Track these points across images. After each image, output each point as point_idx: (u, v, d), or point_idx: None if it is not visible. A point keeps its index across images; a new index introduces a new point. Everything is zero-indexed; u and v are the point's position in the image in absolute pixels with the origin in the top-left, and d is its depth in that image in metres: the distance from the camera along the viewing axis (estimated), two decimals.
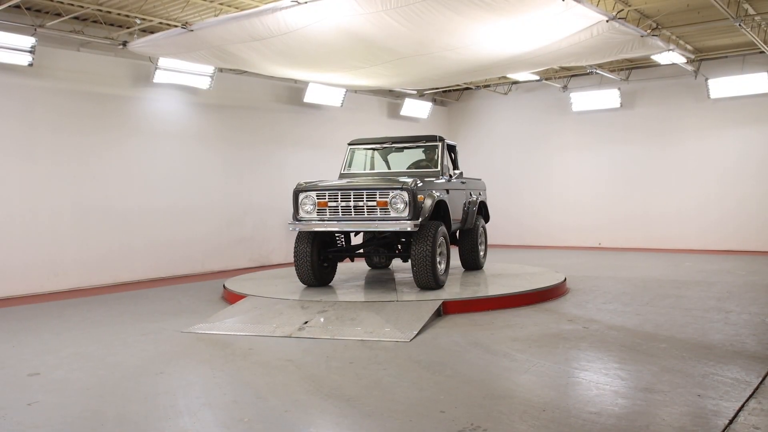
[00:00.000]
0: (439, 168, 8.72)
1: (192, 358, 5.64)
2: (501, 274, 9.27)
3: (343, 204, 7.71)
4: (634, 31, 8.42)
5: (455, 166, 9.55)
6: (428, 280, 7.60)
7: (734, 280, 9.55)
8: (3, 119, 9.07)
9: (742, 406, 4.14)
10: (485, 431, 3.80)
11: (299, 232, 8.14)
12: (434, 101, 16.55)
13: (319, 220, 7.84)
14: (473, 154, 16.91)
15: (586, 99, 15.01)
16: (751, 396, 4.33)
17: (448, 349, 5.76)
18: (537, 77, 14.30)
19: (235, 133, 12.17)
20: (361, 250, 8.90)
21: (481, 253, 9.95)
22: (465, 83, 14.83)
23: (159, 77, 10.51)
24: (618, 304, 7.81)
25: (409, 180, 7.60)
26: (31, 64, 8.94)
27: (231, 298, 8.17)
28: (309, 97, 13.01)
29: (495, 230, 16.35)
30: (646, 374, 4.87)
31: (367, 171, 9.24)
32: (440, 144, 8.93)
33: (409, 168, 9.06)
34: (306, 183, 8.05)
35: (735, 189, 13.62)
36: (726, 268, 10.89)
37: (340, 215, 7.75)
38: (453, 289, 7.97)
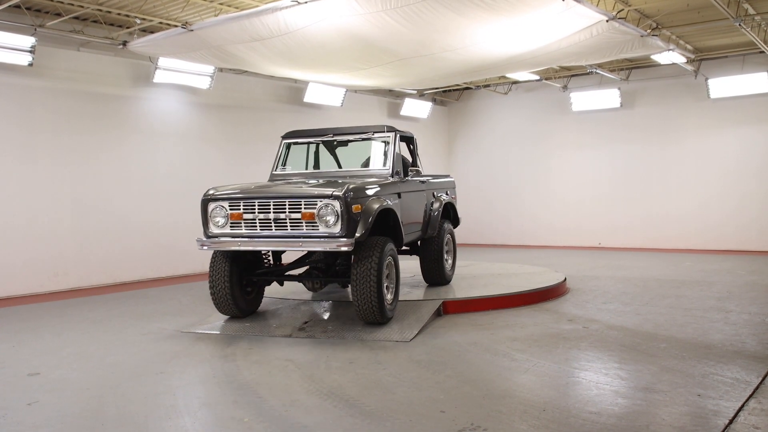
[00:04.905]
0: (388, 166, 7.29)
1: (192, 358, 5.64)
2: (501, 274, 9.26)
3: (262, 216, 6.28)
4: (634, 31, 8.42)
5: (413, 163, 8.07)
6: (372, 312, 6.25)
7: (734, 280, 9.55)
8: (3, 119, 9.06)
9: (742, 405, 4.14)
10: (485, 431, 3.80)
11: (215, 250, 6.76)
12: (434, 101, 16.55)
13: (233, 237, 6.41)
14: (473, 154, 16.96)
15: (586, 99, 15.00)
16: (751, 396, 4.33)
17: (448, 349, 5.76)
18: (537, 77, 14.30)
19: (236, 132, 12.17)
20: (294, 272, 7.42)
21: (448, 265, 8.43)
22: (465, 83, 14.83)
23: (159, 77, 10.51)
24: (618, 303, 7.81)
25: (342, 185, 6.18)
26: (31, 64, 8.94)
27: None
28: (309, 97, 13.01)
29: (495, 230, 16.39)
30: (646, 374, 4.88)
31: (309, 171, 7.74)
32: (391, 136, 7.44)
33: (363, 165, 7.71)
34: (217, 189, 6.60)
35: (735, 189, 13.61)
36: (726, 268, 10.89)
37: (258, 231, 6.31)
38: (453, 289, 7.97)
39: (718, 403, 4.18)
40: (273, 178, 7.64)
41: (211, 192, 6.54)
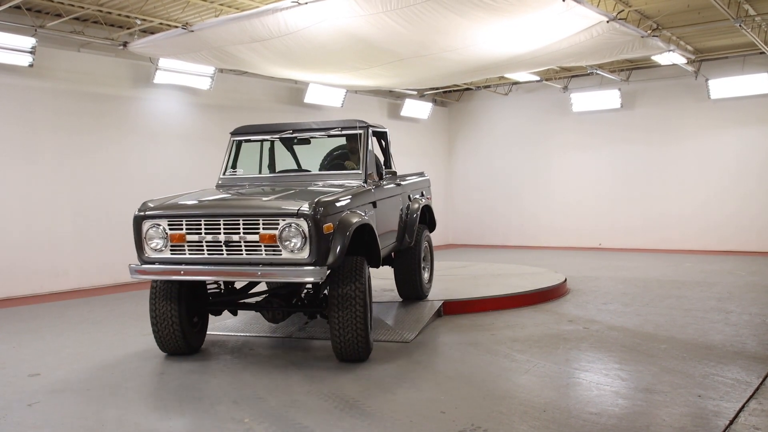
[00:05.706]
0: (361, 170, 6.09)
1: (192, 359, 5.64)
2: (501, 274, 9.26)
3: (210, 238, 5.06)
4: (634, 32, 8.42)
5: (387, 163, 6.93)
6: (358, 353, 5.25)
7: (735, 281, 9.54)
8: (3, 120, 9.07)
9: (743, 406, 4.14)
10: (485, 431, 3.81)
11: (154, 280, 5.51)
12: (434, 102, 16.56)
13: (174, 264, 5.20)
14: (473, 155, 16.96)
15: (587, 99, 15.00)
16: (751, 396, 4.33)
17: (449, 349, 5.77)
18: (537, 78, 14.30)
19: None
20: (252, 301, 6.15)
21: (425, 278, 7.44)
22: (465, 84, 14.84)
23: (159, 78, 10.51)
24: (618, 304, 7.81)
25: (309, 197, 5.06)
26: (31, 65, 8.94)
27: None
28: (309, 98, 13.01)
29: (495, 231, 16.39)
30: (646, 375, 4.88)
31: (264, 175, 6.53)
32: (362, 134, 6.21)
33: (327, 168, 6.79)
34: (154, 203, 5.37)
35: (735, 189, 13.62)
36: (726, 269, 10.89)
37: (206, 255, 5.10)
38: (453, 290, 7.97)
39: (718, 404, 4.18)
40: (221, 184, 6.50)
41: (148, 206, 5.33)
